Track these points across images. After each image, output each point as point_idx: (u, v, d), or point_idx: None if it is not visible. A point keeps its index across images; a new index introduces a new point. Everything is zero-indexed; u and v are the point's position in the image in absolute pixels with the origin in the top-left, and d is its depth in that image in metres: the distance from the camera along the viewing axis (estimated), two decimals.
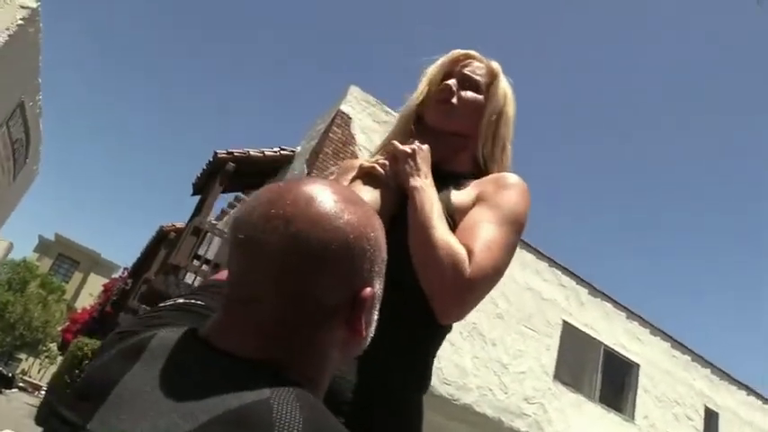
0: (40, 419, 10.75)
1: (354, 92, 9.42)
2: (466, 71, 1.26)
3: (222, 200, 14.30)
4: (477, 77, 1.25)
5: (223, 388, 0.51)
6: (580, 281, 11.08)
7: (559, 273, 10.85)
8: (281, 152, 10.45)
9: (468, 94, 1.24)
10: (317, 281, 0.58)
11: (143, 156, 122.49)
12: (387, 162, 1.15)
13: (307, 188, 0.61)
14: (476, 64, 1.28)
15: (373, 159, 1.20)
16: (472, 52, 1.30)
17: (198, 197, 11.34)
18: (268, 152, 10.45)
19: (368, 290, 0.61)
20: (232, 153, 10.17)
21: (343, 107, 9.17)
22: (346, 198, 0.63)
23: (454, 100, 1.22)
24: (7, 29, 4.13)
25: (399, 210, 1.09)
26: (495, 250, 1.02)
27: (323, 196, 0.60)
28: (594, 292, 11.21)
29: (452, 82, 1.23)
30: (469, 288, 0.97)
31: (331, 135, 8.93)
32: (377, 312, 0.68)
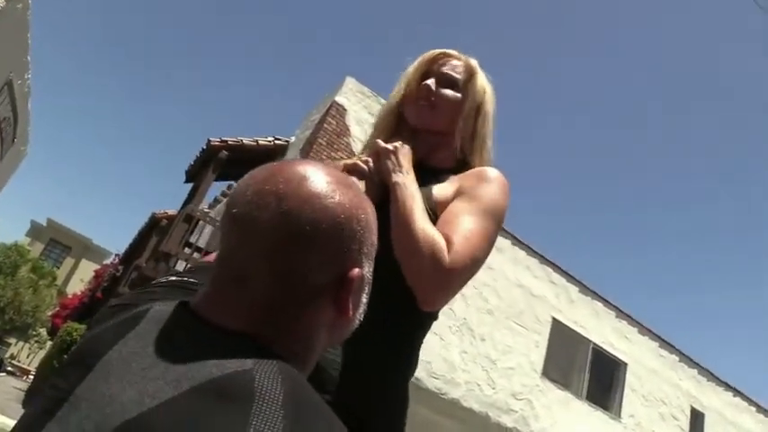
0: (28, 403, 10.72)
1: (350, 83, 9.39)
2: (444, 69, 1.28)
3: (215, 188, 14.27)
4: (456, 75, 1.27)
5: (209, 358, 0.52)
6: (570, 278, 11.11)
7: (550, 270, 10.87)
8: (275, 142, 10.41)
9: (447, 92, 1.26)
10: (305, 259, 0.59)
11: (137, 142, 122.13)
12: (369, 159, 1.18)
13: (300, 168, 0.63)
14: (453, 62, 1.29)
15: (356, 157, 1.24)
16: (450, 51, 1.32)
17: (191, 185, 11.30)
18: (262, 141, 10.41)
19: (356, 270, 0.62)
20: (226, 141, 10.14)
21: (338, 98, 9.14)
22: (338, 180, 0.64)
23: (432, 99, 1.25)
24: None
25: (381, 203, 1.11)
26: (474, 240, 1.05)
27: (316, 176, 0.62)
28: (584, 290, 11.24)
29: (431, 81, 1.26)
30: (448, 276, 1.00)
31: (325, 126, 8.90)
32: (366, 295, 0.69)
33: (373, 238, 0.67)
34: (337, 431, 0.54)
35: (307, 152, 8.82)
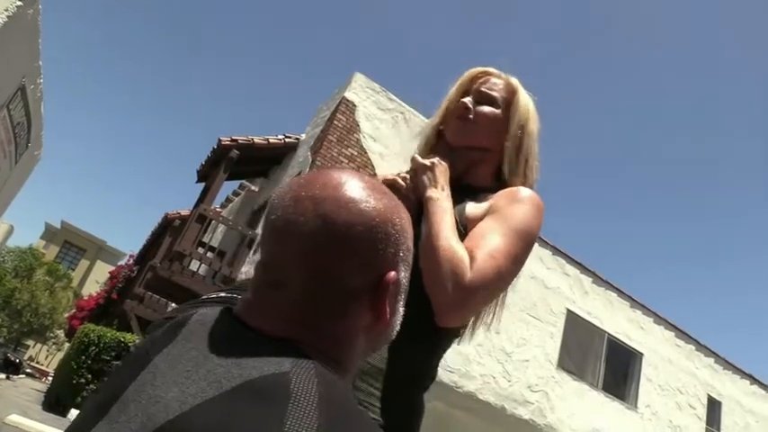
0: (47, 405, 10.86)
1: (359, 79, 9.39)
2: (483, 88, 1.27)
3: (227, 187, 14.33)
4: (494, 93, 1.26)
5: (248, 360, 0.54)
6: (584, 269, 11.07)
7: (563, 261, 10.84)
8: (286, 140, 10.44)
9: (485, 108, 1.25)
10: (341, 262, 0.60)
11: (149, 143, 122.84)
12: (408, 176, 1.18)
13: (337, 174, 0.64)
14: (493, 80, 1.29)
15: (395, 173, 1.22)
16: (490, 69, 1.32)
17: (203, 184, 11.36)
18: (272, 140, 10.44)
19: (392, 274, 0.63)
20: (236, 140, 10.17)
21: (348, 94, 9.14)
22: (374, 186, 0.65)
23: (470, 116, 1.24)
24: (6, 10, 4.13)
25: (418, 220, 1.09)
26: (500, 258, 1.02)
27: (352, 182, 0.63)
28: (598, 280, 11.20)
29: (468, 99, 1.26)
30: (468, 293, 0.98)
31: (335, 122, 8.91)
32: (403, 302, 0.69)
33: (409, 243, 0.67)
34: None
35: (317, 149, 8.84)
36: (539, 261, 10.43)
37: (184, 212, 13.38)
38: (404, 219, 0.66)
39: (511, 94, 1.27)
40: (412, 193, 1.14)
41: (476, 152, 1.25)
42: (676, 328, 11.98)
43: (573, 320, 10.60)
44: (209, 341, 0.59)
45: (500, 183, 1.24)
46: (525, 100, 1.28)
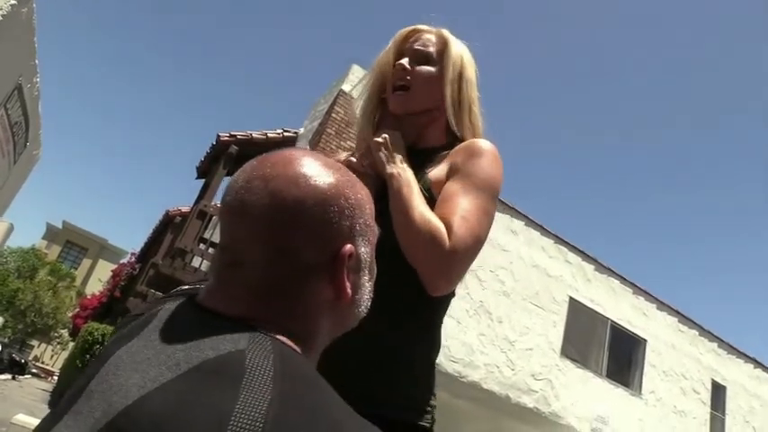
0: (53, 404, 10.90)
1: (356, 71, 9.36)
2: (416, 46, 1.27)
3: (226, 183, 14.31)
4: (428, 49, 1.26)
5: (207, 342, 0.55)
6: (586, 257, 11.06)
7: (565, 249, 10.83)
8: (284, 134, 10.42)
9: (422, 68, 1.25)
10: (295, 237, 0.60)
11: (148, 141, 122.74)
12: (363, 154, 1.20)
13: (287, 153, 0.66)
14: (425, 36, 1.29)
15: (348, 154, 1.25)
16: (419, 26, 1.31)
17: (202, 181, 11.35)
18: (271, 134, 10.42)
19: (348, 247, 0.63)
20: (235, 136, 10.15)
21: (345, 86, 9.11)
22: (327, 163, 0.66)
23: (409, 78, 1.24)
24: (0, 9, 4.12)
25: (380, 197, 1.11)
26: (473, 220, 1.05)
27: (303, 160, 0.64)
28: (601, 268, 11.20)
29: (404, 61, 1.25)
30: (451, 259, 1.01)
31: (333, 115, 8.89)
32: (367, 278, 0.69)
33: (367, 218, 0.67)
34: (335, 407, 0.54)
35: (316, 142, 8.82)
36: (541, 250, 10.43)
37: (185, 209, 13.36)
38: (360, 193, 0.67)
39: (443, 45, 1.27)
40: (370, 169, 1.16)
41: (422, 116, 1.26)
42: (679, 313, 11.99)
43: (576, 308, 10.60)
44: (172, 329, 0.60)
45: (452, 137, 1.25)
46: (458, 48, 1.28)
